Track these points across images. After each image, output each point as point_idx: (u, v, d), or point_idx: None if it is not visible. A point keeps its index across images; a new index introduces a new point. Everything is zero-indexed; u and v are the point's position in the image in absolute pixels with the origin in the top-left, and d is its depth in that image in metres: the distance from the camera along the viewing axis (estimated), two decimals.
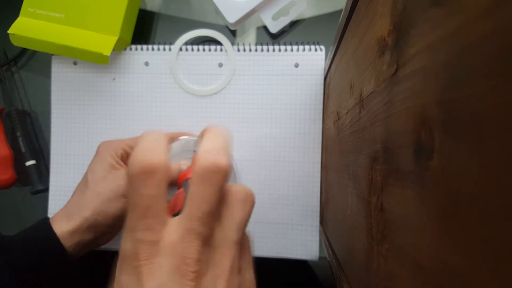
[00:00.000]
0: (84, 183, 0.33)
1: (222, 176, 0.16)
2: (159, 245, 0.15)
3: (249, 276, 0.18)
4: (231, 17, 0.37)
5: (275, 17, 0.38)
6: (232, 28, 0.39)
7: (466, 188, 0.08)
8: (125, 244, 0.16)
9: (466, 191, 0.08)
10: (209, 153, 0.17)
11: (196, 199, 0.16)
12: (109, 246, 0.39)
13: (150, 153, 0.16)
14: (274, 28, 0.38)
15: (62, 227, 0.30)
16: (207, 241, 0.16)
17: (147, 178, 0.15)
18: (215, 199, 0.16)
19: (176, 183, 0.31)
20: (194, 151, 0.35)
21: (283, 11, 0.38)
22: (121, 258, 0.16)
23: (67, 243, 0.29)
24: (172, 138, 0.35)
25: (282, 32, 0.40)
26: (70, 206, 0.32)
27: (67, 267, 0.30)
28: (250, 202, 0.18)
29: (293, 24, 0.40)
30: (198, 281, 0.15)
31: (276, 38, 0.40)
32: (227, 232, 0.16)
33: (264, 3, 0.37)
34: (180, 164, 0.32)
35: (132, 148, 0.34)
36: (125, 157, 0.34)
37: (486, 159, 0.07)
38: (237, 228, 0.17)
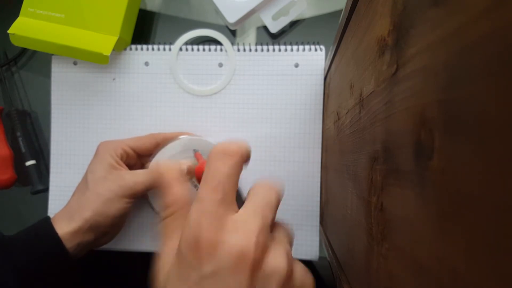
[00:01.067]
0: (84, 183, 0.33)
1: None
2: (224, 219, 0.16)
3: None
4: (231, 17, 0.37)
5: (275, 17, 0.38)
6: (232, 28, 0.39)
7: (466, 188, 0.08)
8: (191, 215, 0.16)
9: (466, 191, 0.08)
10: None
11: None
12: (110, 246, 0.39)
13: (233, 143, 0.18)
14: (274, 28, 0.38)
15: (63, 228, 0.30)
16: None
17: (226, 159, 0.17)
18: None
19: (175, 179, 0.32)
20: (194, 150, 0.34)
21: (283, 11, 0.38)
22: (185, 230, 0.16)
23: (68, 244, 0.29)
24: (172, 138, 0.35)
25: (282, 32, 0.40)
26: (70, 206, 0.32)
27: (68, 267, 0.30)
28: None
29: (293, 24, 0.40)
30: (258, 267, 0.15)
31: (276, 38, 0.40)
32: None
33: (264, 3, 0.37)
34: (180, 163, 0.33)
35: (132, 148, 0.34)
36: (124, 157, 0.34)
37: (486, 159, 0.07)
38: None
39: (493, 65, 0.07)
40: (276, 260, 0.16)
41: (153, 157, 0.34)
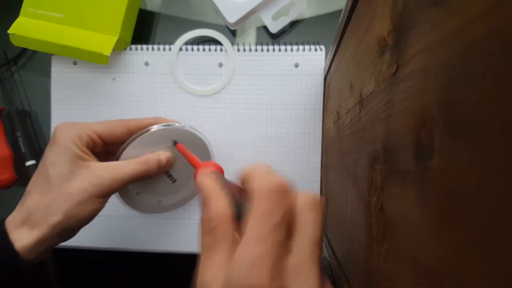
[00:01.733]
0: (43, 179, 0.26)
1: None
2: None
3: None
4: (231, 17, 0.37)
5: (275, 17, 0.38)
6: (232, 28, 0.39)
7: (466, 188, 0.08)
8: (245, 255, 0.14)
9: (466, 191, 0.08)
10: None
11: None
12: (109, 246, 0.39)
13: (276, 176, 0.16)
14: (274, 28, 0.38)
15: (22, 239, 0.24)
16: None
17: (282, 197, 0.15)
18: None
19: (152, 170, 0.29)
20: (174, 141, 0.33)
21: (283, 11, 0.38)
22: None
23: (29, 255, 0.25)
24: (146, 125, 0.31)
25: (282, 32, 0.40)
26: (30, 209, 0.26)
27: (23, 276, 0.25)
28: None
29: (293, 24, 0.40)
30: None
31: (276, 38, 0.40)
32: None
33: (264, 3, 0.37)
34: (159, 153, 0.30)
35: (99, 135, 0.29)
36: (91, 146, 0.28)
37: (486, 159, 0.07)
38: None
39: (493, 65, 0.07)
40: None
41: (126, 146, 0.30)
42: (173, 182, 0.34)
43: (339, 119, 0.27)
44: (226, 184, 0.18)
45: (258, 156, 0.38)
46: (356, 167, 0.20)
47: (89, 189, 0.26)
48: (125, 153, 0.30)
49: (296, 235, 0.15)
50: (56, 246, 0.39)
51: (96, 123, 0.29)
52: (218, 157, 0.38)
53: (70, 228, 0.26)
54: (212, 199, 0.17)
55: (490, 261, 0.07)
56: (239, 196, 0.17)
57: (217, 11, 0.38)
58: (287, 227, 0.15)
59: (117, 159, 0.30)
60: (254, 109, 0.38)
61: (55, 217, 0.25)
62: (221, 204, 0.16)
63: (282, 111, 0.38)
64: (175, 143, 0.33)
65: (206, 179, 0.18)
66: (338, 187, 0.26)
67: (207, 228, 0.16)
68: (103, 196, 0.27)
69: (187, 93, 0.39)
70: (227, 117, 0.38)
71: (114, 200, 0.39)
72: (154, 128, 0.31)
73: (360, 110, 0.19)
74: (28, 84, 0.42)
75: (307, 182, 0.38)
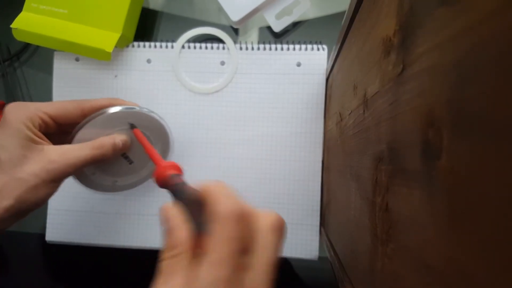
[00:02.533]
0: None
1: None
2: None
3: None
4: (235, 16, 0.37)
5: (278, 16, 0.38)
6: (235, 27, 0.39)
7: (475, 188, 0.08)
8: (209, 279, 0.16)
9: (475, 190, 0.08)
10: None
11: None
12: (108, 243, 0.39)
13: (238, 201, 0.18)
14: (277, 27, 0.38)
15: None
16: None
17: (243, 222, 0.17)
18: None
19: (107, 154, 0.29)
20: (130, 124, 0.32)
21: (287, 10, 0.38)
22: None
23: None
24: (101, 107, 0.30)
25: (285, 31, 0.40)
26: None
27: None
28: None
29: (296, 24, 0.40)
30: None
31: (278, 37, 0.40)
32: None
33: (267, 2, 0.37)
34: (114, 136, 0.30)
35: (51, 117, 0.28)
36: (43, 128, 0.27)
37: (496, 158, 0.07)
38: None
39: (502, 64, 0.07)
40: None
41: (80, 127, 0.29)
42: (130, 163, 0.33)
43: (342, 120, 0.27)
44: (186, 200, 0.20)
45: (259, 155, 0.38)
46: (360, 167, 0.20)
47: (42, 175, 0.25)
48: (79, 135, 0.29)
49: (254, 256, 0.17)
50: (51, 242, 0.39)
51: (48, 103, 0.28)
52: (219, 155, 0.38)
53: (22, 211, 0.26)
54: (176, 229, 0.18)
55: (500, 261, 0.07)
56: (198, 211, 0.19)
57: (220, 10, 0.38)
58: (246, 249, 0.17)
59: (70, 141, 0.29)
60: (255, 107, 0.38)
61: (7, 201, 0.25)
62: (184, 235, 0.18)
63: (283, 110, 0.38)
64: (132, 126, 0.32)
65: (170, 211, 0.19)
66: (341, 188, 0.26)
67: (169, 254, 0.17)
68: (56, 181, 0.27)
69: (189, 91, 0.39)
70: (228, 115, 0.38)
71: (108, 197, 0.39)
72: (111, 110, 0.30)
73: (364, 111, 0.19)
74: (30, 80, 0.42)
75: (307, 182, 0.38)
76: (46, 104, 0.28)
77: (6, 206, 0.25)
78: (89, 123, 0.29)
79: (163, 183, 0.25)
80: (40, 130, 0.27)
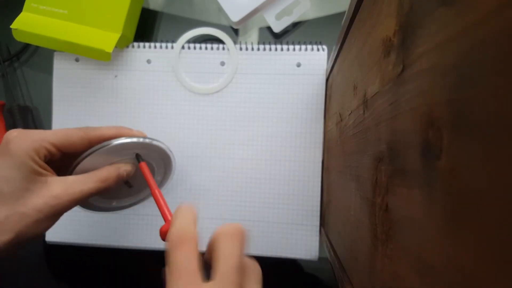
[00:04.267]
0: None
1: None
2: None
3: None
4: (235, 16, 0.37)
5: (278, 17, 0.38)
6: (235, 27, 0.39)
7: (475, 188, 0.08)
8: None
9: (476, 190, 0.08)
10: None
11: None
12: (109, 243, 0.39)
13: (184, 227, 0.20)
14: (277, 28, 0.38)
15: None
16: None
17: (183, 245, 0.19)
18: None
19: (111, 185, 0.28)
20: (137, 154, 0.31)
21: (287, 10, 0.38)
22: None
23: None
24: (108, 136, 0.29)
25: (285, 32, 0.40)
26: None
27: None
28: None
29: (296, 24, 0.40)
30: None
31: (278, 38, 0.40)
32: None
33: (267, 2, 0.37)
34: (119, 166, 0.29)
35: (57, 146, 0.27)
36: (48, 158, 0.26)
37: (496, 158, 0.07)
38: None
39: (503, 64, 0.07)
40: None
41: (85, 157, 0.28)
42: (129, 187, 0.33)
43: (341, 120, 0.27)
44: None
45: (259, 155, 0.38)
46: (360, 168, 0.20)
47: (45, 210, 0.25)
48: (83, 164, 0.28)
49: (216, 265, 0.18)
50: (51, 243, 0.39)
51: (53, 132, 0.27)
52: (219, 155, 0.38)
53: (21, 244, 0.25)
54: (187, 279, 0.19)
55: (500, 261, 0.07)
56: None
57: (220, 10, 0.38)
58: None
59: (72, 171, 0.28)
60: (255, 108, 0.38)
61: (7, 235, 0.24)
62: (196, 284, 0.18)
63: (283, 110, 0.38)
64: (138, 158, 0.31)
65: (183, 256, 0.20)
66: (341, 188, 0.26)
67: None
68: (58, 215, 0.26)
69: (189, 91, 0.39)
70: (228, 116, 0.38)
71: None
72: (117, 141, 0.28)
73: (364, 111, 0.19)
74: (30, 80, 0.42)
75: (307, 182, 0.38)
76: (51, 133, 0.27)
77: (5, 240, 0.24)
78: (93, 154, 0.28)
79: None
80: (44, 160, 0.26)
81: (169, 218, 0.25)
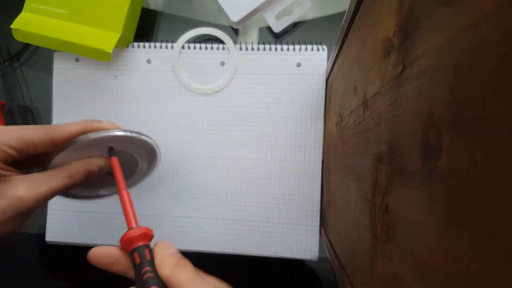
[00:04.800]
0: None
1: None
2: None
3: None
4: (235, 16, 0.37)
5: (278, 17, 0.38)
6: (235, 27, 0.39)
7: (475, 188, 0.08)
8: None
9: (476, 190, 0.08)
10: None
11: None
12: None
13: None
14: (277, 28, 0.38)
15: None
16: None
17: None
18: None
19: (80, 181, 0.27)
20: (110, 147, 0.29)
21: (287, 11, 0.38)
22: None
23: None
24: (72, 133, 0.27)
25: (285, 32, 0.40)
26: None
27: None
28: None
29: (296, 24, 0.40)
30: None
31: (278, 37, 0.40)
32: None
33: (267, 2, 0.37)
34: (90, 161, 0.28)
35: (16, 150, 0.25)
36: (8, 161, 0.25)
37: (496, 158, 0.07)
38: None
39: (503, 64, 0.07)
40: None
41: (52, 157, 0.27)
42: (112, 177, 0.29)
43: (341, 120, 0.27)
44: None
45: (259, 155, 0.38)
46: (360, 168, 0.20)
47: (10, 211, 0.23)
48: (53, 162, 0.27)
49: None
50: (51, 243, 0.39)
51: (12, 134, 0.25)
52: (219, 155, 0.38)
53: None
54: None
55: (500, 261, 0.07)
56: None
57: (220, 10, 0.38)
58: None
59: (45, 167, 0.27)
60: (255, 108, 0.38)
61: None
62: None
63: (283, 110, 0.38)
64: (111, 151, 0.29)
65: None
66: (341, 188, 0.26)
67: None
68: (26, 215, 0.25)
69: (189, 91, 0.39)
70: (228, 116, 0.38)
71: (108, 198, 0.39)
72: (85, 137, 0.27)
73: (364, 111, 0.19)
74: (30, 80, 0.42)
75: (307, 182, 0.38)
76: (10, 136, 0.25)
77: None
78: (65, 150, 0.27)
79: (126, 250, 0.24)
80: (5, 163, 0.25)
81: (133, 224, 0.25)
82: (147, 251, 0.23)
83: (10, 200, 0.23)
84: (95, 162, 0.28)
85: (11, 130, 0.25)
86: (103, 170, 0.29)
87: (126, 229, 0.24)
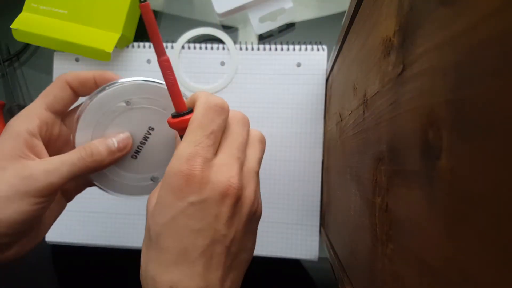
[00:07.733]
0: None
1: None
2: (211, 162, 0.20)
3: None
4: (220, 8, 0.37)
5: (262, 20, 0.38)
6: (219, 19, 0.39)
7: (476, 188, 0.08)
8: (185, 151, 0.20)
9: (476, 190, 0.08)
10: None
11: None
12: (112, 243, 0.39)
13: (223, 100, 0.22)
14: (259, 30, 0.38)
15: None
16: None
17: (220, 112, 0.21)
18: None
19: (103, 162, 0.23)
20: (125, 101, 0.24)
21: (271, 16, 0.38)
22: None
23: None
24: (88, 80, 0.24)
25: (285, 32, 0.40)
26: None
27: None
28: (264, 142, 0.24)
29: (296, 24, 0.40)
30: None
31: (278, 38, 0.40)
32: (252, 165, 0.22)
33: (254, 3, 0.37)
34: (108, 141, 0.23)
35: (50, 109, 0.23)
36: (44, 129, 0.23)
37: (496, 158, 0.07)
38: (258, 162, 0.22)
39: (502, 64, 0.07)
40: (248, 194, 0.21)
41: (75, 132, 0.24)
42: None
43: (341, 120, 0.27)
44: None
45: None
46: (360, 168, 0.20)
47: (18, 185, 0.21)
48: (77, 139, 0.24)
49: (223, 142, 0.21)
50: (51, 243, 0.39)
51: (41, 96, 0.23)
52: None
53: None
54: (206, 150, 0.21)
55: (500, 261, 0.07)
56: None
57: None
58: (217, 137, 0.21)
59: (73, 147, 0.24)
60: (255, 107, 0.38)
61: None
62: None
63: (283, 110, 0.38)
64: (127, 103, 0.24)
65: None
66: (341, 188, 0.26)
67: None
68: (36, 194, 0.21)
69: (189, 91, 0.39)
70: None
71: (108, 197, 0.38)
72: (108, 90, 0.23)
73: (364, 111, 0.19)
74: (30, 80, 0.42)
75: (307, 182, 0.38)
76: (41, 97, 0.23)
77: None
78: (79, 124, 0.24)
79: (181, 128, 0.21)
80: (41, 134, 0.23)
81: (185, 105, 0.21)
82: None
83: (22, 175, 0.21)
84: (114, 137, 0.24)
85: (41, 96, 0.24)
86: (129, 145, 0.24)
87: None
